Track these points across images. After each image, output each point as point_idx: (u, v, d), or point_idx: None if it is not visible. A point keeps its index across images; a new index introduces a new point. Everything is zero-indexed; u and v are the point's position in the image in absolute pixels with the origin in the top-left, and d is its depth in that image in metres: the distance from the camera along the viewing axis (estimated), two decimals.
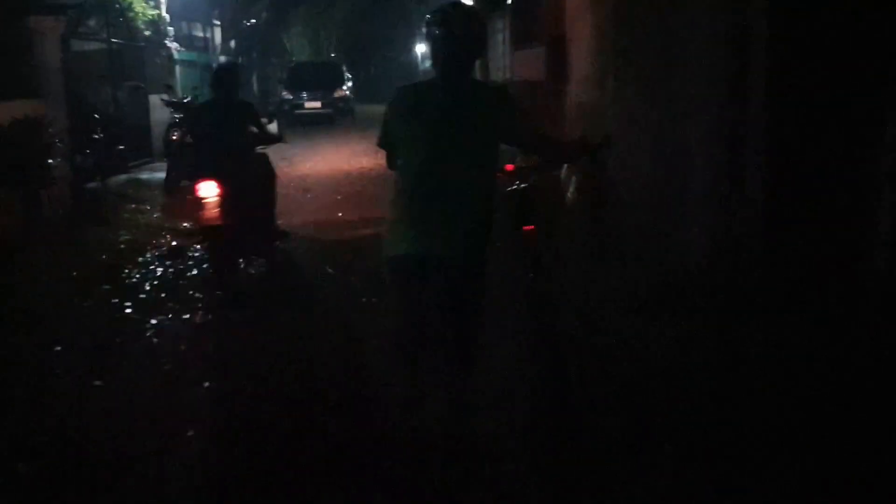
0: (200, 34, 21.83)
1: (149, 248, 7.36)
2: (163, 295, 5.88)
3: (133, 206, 9.38)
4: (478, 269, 2.98)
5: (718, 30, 5.07)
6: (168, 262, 6.82)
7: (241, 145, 5.96)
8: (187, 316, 5.36)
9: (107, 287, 6.04)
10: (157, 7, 14.41)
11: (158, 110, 12.90)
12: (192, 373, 4.39)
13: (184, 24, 21.05)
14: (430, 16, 2.94)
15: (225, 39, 23.34)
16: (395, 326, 3.16)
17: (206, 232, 5.81)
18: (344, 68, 24.35)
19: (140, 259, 6.95)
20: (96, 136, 10.36)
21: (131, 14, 13.34)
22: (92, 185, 10.15)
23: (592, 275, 5.52)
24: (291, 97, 22.29)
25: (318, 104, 22.11)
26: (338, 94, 22.57)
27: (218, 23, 23.00)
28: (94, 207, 8.84)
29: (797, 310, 4.30)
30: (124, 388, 4.17)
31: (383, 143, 3.07)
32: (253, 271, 6.43)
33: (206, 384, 4.25)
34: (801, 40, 4.45)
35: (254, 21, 26.26)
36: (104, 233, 7.92)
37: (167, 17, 14.96)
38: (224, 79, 6.01)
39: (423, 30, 3.19)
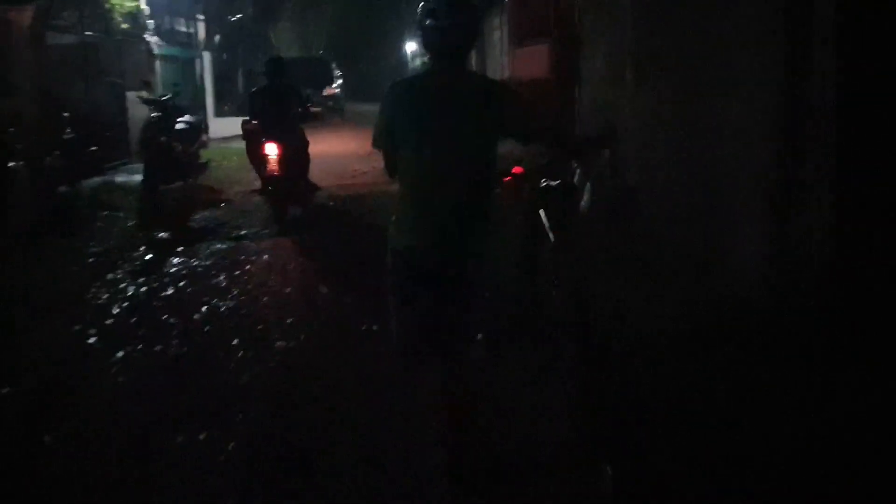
0: (184, 29, 20.99)
1: (120, 263, 6.59)
2: (133, 320, 5.14)
3: (106, 212, 8.60)
4: (478, 262, 2.88)
5: (772, 14, 4.39)
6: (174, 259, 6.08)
7: (292, 119, 8.09)
8: (158, 348, 4.62)
9: (67, 311, 5.30)
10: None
11: (137, 108, 12.09)
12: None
13: (166, 19, 20.24)
14: (422, 6, 2.85)
15: (209, 34, 22.48)
16: (396, 321, 3.00)
17: (269, 180, 7.92)
18: (334, 65, 23.60)
19: (109, 276, 6.19)
20: (67, 136, 9.59)
21: (108, 6, 12.55)
22: (63, 189, 9.39)
23: (628, 297, 4.81)
24: None
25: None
26: (327, 92, 21.85)
27: (202, 17, 22.15)
28: (62, 215, 8.07)
29: (874, 340, 3.63)
30: (77, 449, 3.43)
31: (379, 143, 2.95)
32: (295, 213, 8.28)
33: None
34: (874, 24, 3.79)
35: (240, 16, 25.45)
36: (71, 245, 7.16)
37: (147, 9, 14.16)
38: (275, 69, 8.08)
39: (416, 22, 2.94)
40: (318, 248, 7.10)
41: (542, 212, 4.09)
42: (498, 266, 3.18)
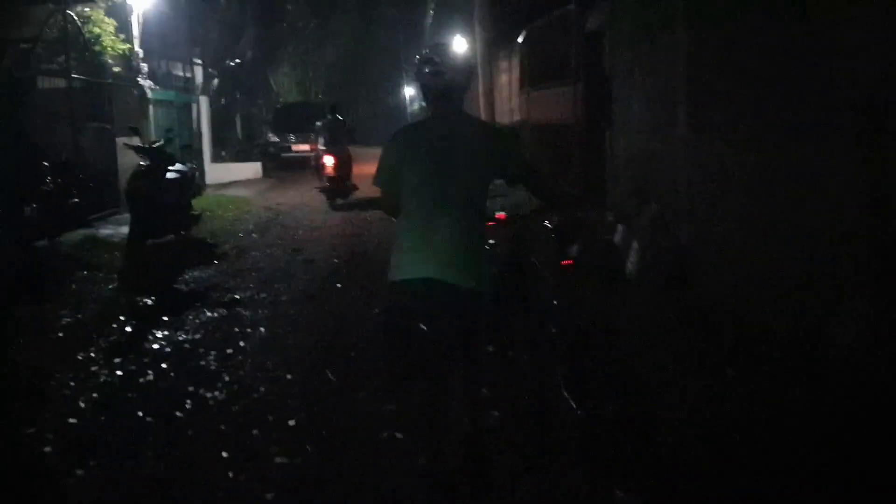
0: (180, 73, 20.35)
1: (94, 337, 5.68)
2: (101, 418, 4.21)
3: (85, 272, 7.70)
4: (477, 296, 3.03)
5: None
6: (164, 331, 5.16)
7: (342, 141, 13.15)
8: (129, 463, 3.68)
9: (19, 410, 4.37)
10: (129, 41, 12.88)
11: (128, 155, 11.27)
12: None
13: (162, 63, 19.60)
14: (419, 57, 3.17)
15: (207, 78, 21.84)
16: (390, 348, 3.38)
17: (329, 180, 12.77)
18: (337, 110, 22.97)
19: (80, 355, 5.27)
20: (46, 187, 8.74)
21: (98, 48, 11.81)
22: (41, 243, 8.52)
23: (692, 385, 3.91)
24: (278, 139, 20.83)
25: (306, 147, 20.61)
26: None
27: (199, 61, 21.54)
28: (36, 275, 7.17)
29: None
30: None
31: (380, 181, 3.17)
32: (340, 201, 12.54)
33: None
34: None
35: (238, 61, 24.90)
36: (40, 313, 6.25)
37: (140, 52, 13.42)
38: (335, 108, 13.88)
39: (414, 71, 3.25)
40: (320, 318, 6.19)
41: (530, 254, 4.08)
42: (491, 297, 3.25)
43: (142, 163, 9.08)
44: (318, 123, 13.85)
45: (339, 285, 7.16)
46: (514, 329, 4.15)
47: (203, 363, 5.12)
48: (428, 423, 3.05)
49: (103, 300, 6.77)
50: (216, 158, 18.52)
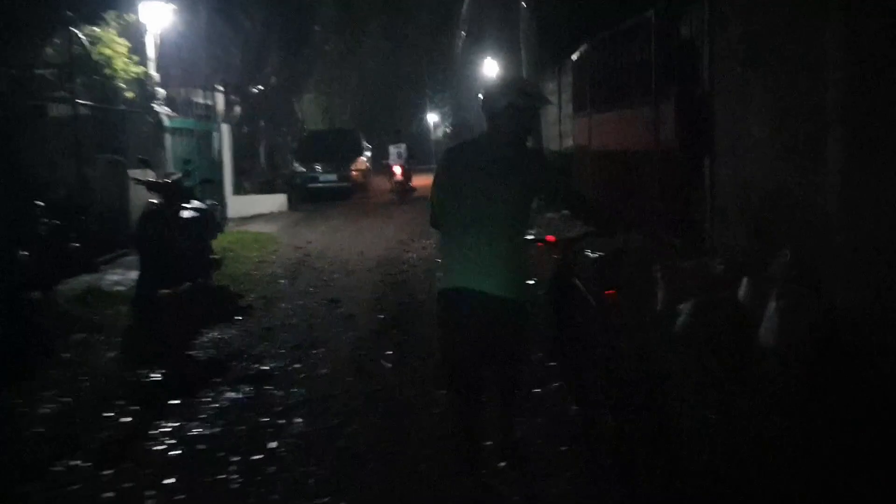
0: (201, 100, 19.30)
1: (82, 436, 4.35)
2: None
3: (83, 335, 6.41)
4: (518, 306, 3.33)
5: None
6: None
7: (407, 159, 20.70)
8: None
9: None
10: (144, 64, 11.73)
11: (142, 189, 10.09)
12: None
13: (181, 90, 18.55)
14: (496, 88, 3.44)
15: (229, 106, 20.76)
16: (442, 352, 3.45)
17: (396, 183, 19.46)
18: (362, 137, 21.78)
19: (58, 466, 3.94)
20: (41, 230, 7.52)
21: (109, 71, 10.66)
22: (35, 295, 7.25)
23: None
24: (304, 169, 19.64)
25: (333, 177, 19.44)
26: (356, 166, 19.92)
27: (221, 88, 20.48)
28: (17, 342, 5.89)
29: None
30: None
31: (432, 198, 3.45)
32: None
33: None
34: None
35: (261, 87, 23.87)
36: (17, 398, 4.95)
37: (156, 76, 12.27)
38: (399, 133, 26.49)
39: (484, 97, 3.38)
40: (372, 405, 4.83)
41: (576, 279, 4.05)
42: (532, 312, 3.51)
43: (153, 200, 7.84)
44: (391, 147, 21.15)
45: (389, 352, 5.78)
46: (555, 347, 4.31)
47: (221, 477, 3.77)
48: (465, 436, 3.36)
49: (100, 376, 5.45)
50: (238, 190, 17.33)
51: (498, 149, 3.31)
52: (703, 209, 6.79)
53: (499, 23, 21.75)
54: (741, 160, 6.12)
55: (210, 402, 4.84)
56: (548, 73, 14.71)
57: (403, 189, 18.99)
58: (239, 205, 16.40)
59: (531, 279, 3.44)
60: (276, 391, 5.04)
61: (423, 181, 23.14)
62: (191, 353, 6.05)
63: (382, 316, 6.90)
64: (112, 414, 4.69)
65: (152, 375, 5.44)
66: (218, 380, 5.29)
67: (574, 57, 11.99)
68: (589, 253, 4.26)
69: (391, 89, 39.00)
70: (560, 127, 14.29)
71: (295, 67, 25.13)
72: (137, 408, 4.79)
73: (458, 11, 28.96)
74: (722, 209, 6.48)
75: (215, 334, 6.55)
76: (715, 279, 5.62)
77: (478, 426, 3.38)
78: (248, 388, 5.09)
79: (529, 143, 3.81)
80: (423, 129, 57.11)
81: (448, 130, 57.06)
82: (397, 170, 19.31)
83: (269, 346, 6.11)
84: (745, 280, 5.22)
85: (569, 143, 13.07)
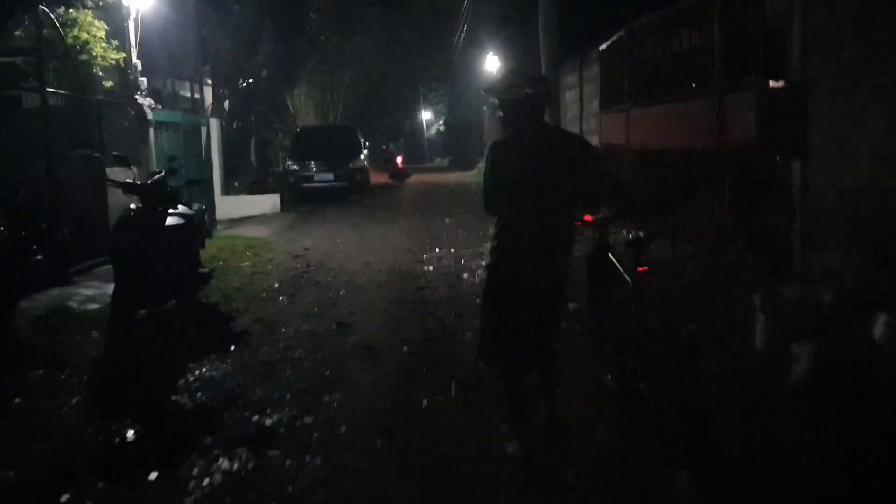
0: (188, 94, 18.09)
1: None
2: None
3: (41, 371, 5.24)
4: (562, 286, 3.71)
5: None
6: None
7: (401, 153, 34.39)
8: None
9: None
10: (125, 50, 10.53)
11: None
12: None
13: (168, 82, 17.32)
14: (493, 86, 4.18)
15: (218, 100, 19.53)
16: (488, 331, 3.74)
17: (396, 171, 28.79)
18: (360, 134, 20.56)
19: None
20: None
21: (85, 57, 9.46)
22: None
23: None
24: (297, 168, 18.41)
25: (329, 176, 18.24)
26: (354, 164, 18.72)
27: (209, 81, 19.27)
28: None
29: None
30: None
31: (485, 191, 3.77)
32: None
33: None
34: None
35: (251, 80, 22.66)
36: None
37: (138, 63, 11.07)
38: (399, 131, 48.60)
39: (501, 89, 3.77)
40: (411, 486, 3.70)
41: (611, 256, 4.33)
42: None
43: (133, 205, 6.67)
44: (391, 143, 28.47)
45: (424, 402, 4.64)
46: (592, 323, 4.64)
47: None
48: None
49: (57, 433, 4.29)
50: (228, 190, 16.13)
51: (539, 137, 3.61)
52: (789, 222, 5.68)
53: (507, 14, 20.61)
54: (848, 165, 5.03)
55: (196, 479, 3.69)
56: (567, 65, 13.59)
57: (403, 174, 27.98)
58: (228, 206, 15.21)
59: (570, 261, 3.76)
60: (282, 460, 3.90)
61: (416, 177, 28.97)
62: (174, 397, 4.89)
63: (406, 349, 5.74)
64: (66, 498, 3.53)
65: (125, 432, 4.27)
66: (208, 440, 4.14)
67: (603, 47, 10.86)
68: (624, 233, 4.33)
69: (385, 86, 37.74)
70: (582, 124, 13.15)
71: (287, 59, 23.92)
72: (101, 487, 3.64)
73: (459, 4, 27.78)
74: (818, 223, 5.38)
75: (204, 370, 5.39)
76: (830, 313, 4.51)
77: (522, 390, 3.75)
78: (245, 455, 3.94)
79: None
80: (417, 126, 55.92)
81: (442, 129, 55.92)
82: (399, 159, 29.61)
83: (271, 389, 4.95)
84: (881, 317, 4.12)
85: (593, 141, 11.97)
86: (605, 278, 4.37)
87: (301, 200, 17.45)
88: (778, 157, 5.75)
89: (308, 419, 4.44)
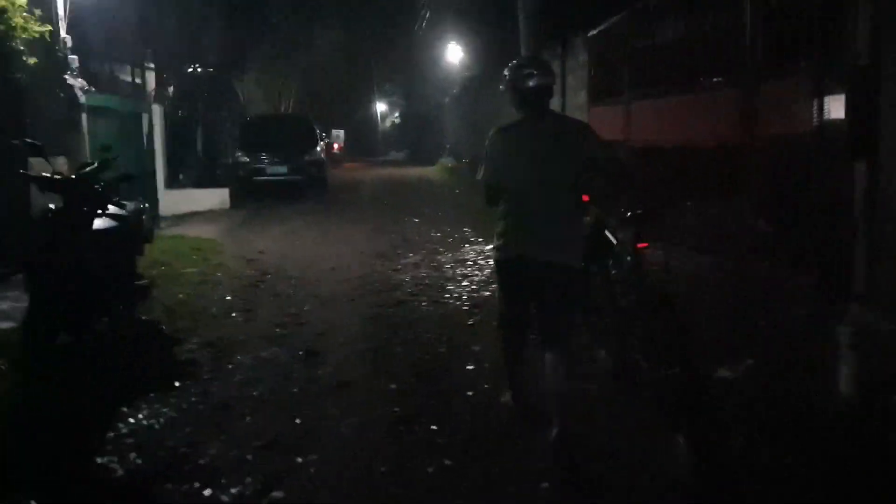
0: (129, 78, 16.60)
1: None
2: None
3: None
4: (565, 270, 3.61)
5: None
6: None
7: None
8: None
9: None
10: (52, 23, 9.17)
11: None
12: None
13: (106, 66, 15.82)
14: (519, 64, 3.76)
15: (162, 85, 18.04)
16: (502, 313, 3.96)
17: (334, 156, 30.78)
18: (315, 124, 19.27)
19: None
20: None
21: (2, 27, 8.11)
22: None
23: None
24: (248, 160, 17.05)
25: (283, 170, 16.93)
26: (309, 157, 17.43)
27: (152, 66, 17.76)
28: None
29: None
30: None
31: (488, 179, 3.78)
32: None
33: None
34: None
35: (198, 65, 21.19)
36: None
37: (68, 38, 9.72)
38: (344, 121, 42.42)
39: (507, 79, 3.72)
40: None
41: (607, 233, 4.38)
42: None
43: (52, 205, 5.46)
44: (333, 130, 28.86)
45: (428, 470, 3.58)
46: (592, 297, 4.54)
47: None
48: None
49: None
50: (172, 183, 14.76)
51: (543, 124, 3.67)
52: (851, 234, 4.77)
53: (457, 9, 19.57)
54: None
55: None
56: (545, 54, 12.55)
57: (340, 158, 33.16)
58: (173, 201, 13.86)
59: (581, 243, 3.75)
60: None
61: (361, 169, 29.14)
62: (99, 459, 3.74)
63: (394, 387, 4.67)
64: None
65: None
66: None
67: (594, 32, 9.89)
68: (623, 209, 4.20)
69: (340, 75, 36.30)
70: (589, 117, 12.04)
71: (238, 43, 22.46)
72: None
73: None
74: (888, 233, 4.48)
75: (141, 417, 4.24)
76: None
77: (521, 360, 4.02)
78: None
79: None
80: (370, 118, 54.42)
81: (397, 121, 54.59)
82: (336, 146, 34.97)
83: (227, 445, 3.85)
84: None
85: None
86: (602, 255, 4.42)
87: (252, 196, 16.15)
88: (856, 156, 4.81)
89: (277, 496, 3.35)
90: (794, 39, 5.34)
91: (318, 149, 17.95)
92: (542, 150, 3.59)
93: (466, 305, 6.59)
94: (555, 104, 12.26)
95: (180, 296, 6.99)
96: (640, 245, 4.09)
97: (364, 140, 50.22)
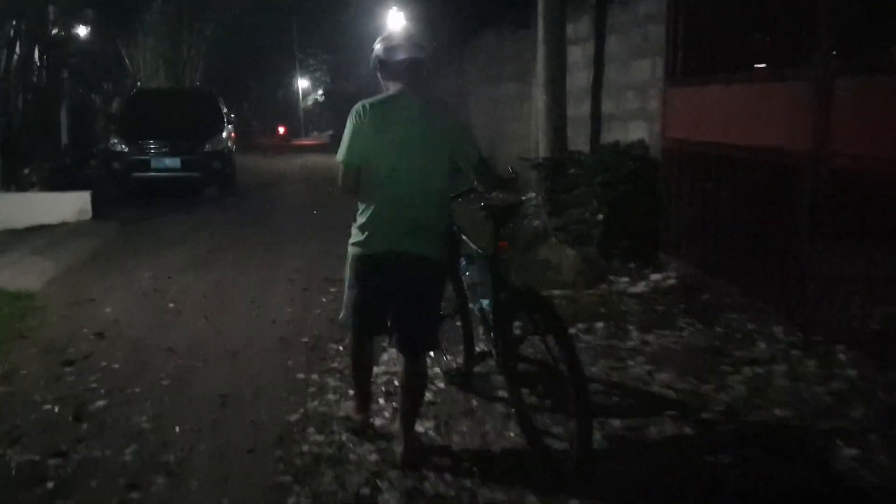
0: None
1: None
2: None
3: None
4: (437, 265, 3.33)
5: None
6: None
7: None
8: None
9: None
10: None
11: None
12: None
13: None
14: (383, 44, 3.33)
15: (26, 51, 13.46)
16: (356, 314, 3.43)
17: (279, 139, 36.47)
18: (221, 103, 14.89)
19: None
20: None
21: None
22: None
23: None
24: (127, 149, 12.61)
25: (174, 163, 12.62)
26: (211, 146, 13.10)
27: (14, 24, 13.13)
28: None
29: None
30: None
31: (350, 159, 3.24)
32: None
33: None
34: None
35: (73, 29, 16.61)
36: None
37: None
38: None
39: (376, 52, 3.33)
40: None
41: (464, 237, 4.09)
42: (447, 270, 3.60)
43: None
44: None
45: None
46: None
47: None
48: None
49: None
50: (11, 183, 10.36)
51: (413, 105, 3.28)
52: None
53: None
54: None
55: None
56: (571, 14, 8.53)
57: (286, 142, 32.28)
58: (9, 210, 9.55)
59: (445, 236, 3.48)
60: None
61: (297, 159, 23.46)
62: None
63: None
64: None
65: None
66: None
67: None
68: (483, 206, 3.71)
69: (256, 50, 31.58)
70: (600, 105, 7.88)
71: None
72: None
73: None
74: None
75: None
76: None
77: (368, 357, 3.64)
78: None
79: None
80: (291, 96, 49.48)
81: (321, 99, 49.85)
82: (281, 129, 36.28)
83: None
84: None
85: (638, 135, 6.97)
86: (458, 258, 4.10)
87: (132, 202, 11.82)
88: None
89: None
90: None
91: (224, 135, 13.60)
92: (416, 131, 3.23)
93: None
94: (585, 81, 8.48)
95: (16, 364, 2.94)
96: (500, 243, 3.73)
97: (284, 116, 45.39)
